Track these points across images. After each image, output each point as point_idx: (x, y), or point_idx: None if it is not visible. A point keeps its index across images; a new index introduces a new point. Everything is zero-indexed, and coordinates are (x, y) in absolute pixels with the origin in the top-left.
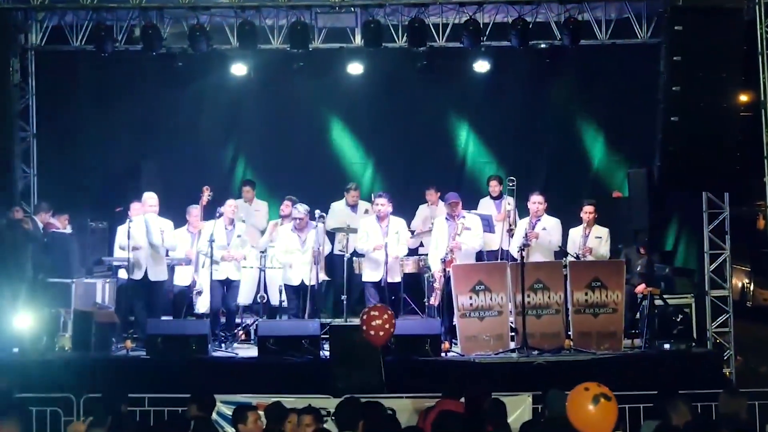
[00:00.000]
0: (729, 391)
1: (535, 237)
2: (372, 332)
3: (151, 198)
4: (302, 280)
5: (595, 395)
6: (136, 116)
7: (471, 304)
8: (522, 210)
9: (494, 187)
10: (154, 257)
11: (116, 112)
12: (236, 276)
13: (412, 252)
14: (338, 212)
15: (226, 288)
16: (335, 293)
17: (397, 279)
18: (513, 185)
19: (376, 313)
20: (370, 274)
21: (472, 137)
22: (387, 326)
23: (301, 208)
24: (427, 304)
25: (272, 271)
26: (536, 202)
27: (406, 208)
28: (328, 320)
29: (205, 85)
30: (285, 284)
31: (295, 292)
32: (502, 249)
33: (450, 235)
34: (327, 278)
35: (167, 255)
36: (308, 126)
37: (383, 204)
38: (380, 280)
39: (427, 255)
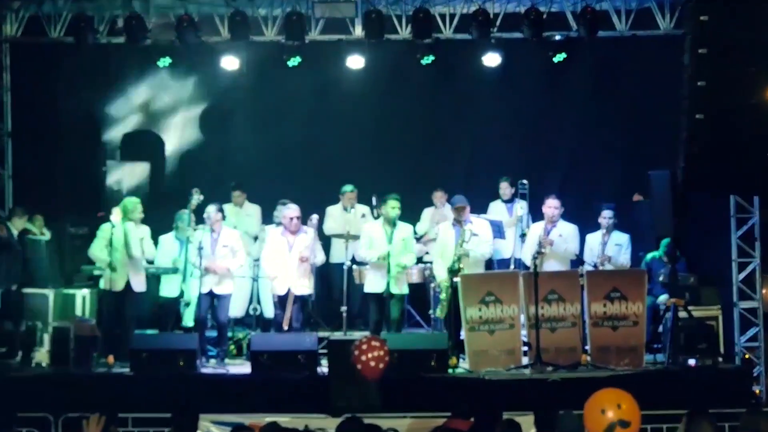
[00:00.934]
0: (752, 410)
1: (550, 244)
2: (364, 366)
3: (133, 204)
4: (288, 289)
5: (611, 424)
6: (119, 114)
7: (480, 317)
8: (536, 214)
9: (505, 189)
10: (134, 266)
11: (98, 109)
12: (221, 290)
13: (417, 260)
14: (336, 217)
15: (214, 300)
16: (334, 304)
17: (403, 291)
18: (525, 188)
19: (366, 347)
20: (372, 284)
21: (481, 136)
22: (379, 356)
23: (294, 207)
24: (432, 316)
25: (266, 281)
26: (552, 206)
27: (410, 212)
28: (327, 334)
29: (194, 80)
30: (273, 293)
31: (282, 301)
32: (513, 257)
33: (457, 242)
34: (310, 291)
35: (151, 264)
36: (304, 124)
37: (394, 207)
38: (383, 292)
39: (432, 263)
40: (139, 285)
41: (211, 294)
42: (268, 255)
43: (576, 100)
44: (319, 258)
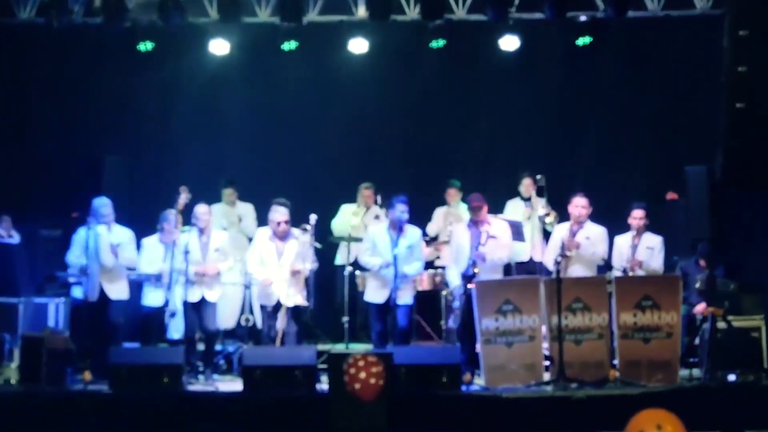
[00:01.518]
0: None
1: (576, 247)
2: (360, 386)
3: (103, 206)
4: (278, 300)
5: None
6: (97, 103)
7: (497, 328)
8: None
9: (528, 186)
10: (110, 273)
11: (73, 98)
12: (212, 297)
13: (427, 264)
14: (347, 218)
15: (201, 310)
16: (335, 314)
17: (408, 301)
18: (541, 182)
19: (358, 365)
20: (373, 293)
21: (498, 128)
22: (360, 376)
23: (283, 210)
24: (444, 327)
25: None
26: (579, 205)
27: (420, 212)
28: (327, 347)
29: (180, 66)
30: (261, 304)
31: (271, 312)
32: (533, 260)
33: (472, 245)
34: (306, 303)
35: (132, 270)
36: (302, 115)
37: (404, 210)
38: (386, 301)
39: (444, 268)
40: (118, 293)
41: (201, 302)
42: (255, 258)
43: (603, 89)
44: (308, 266)
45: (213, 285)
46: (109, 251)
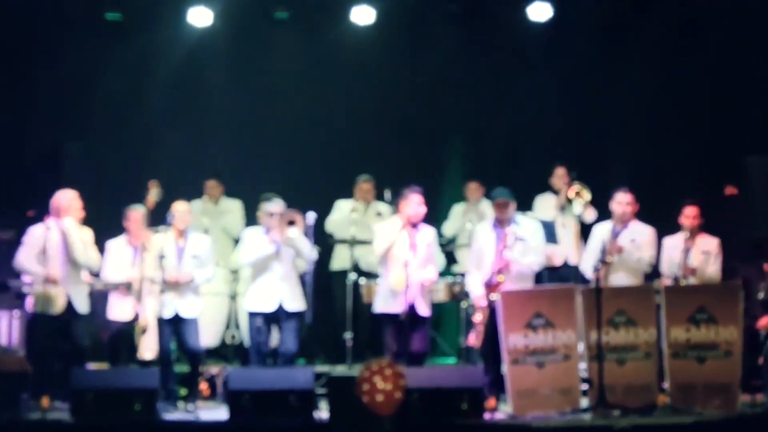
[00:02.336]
0: None
1: (618, 251)
2: (373, 398)
3: (68, 198)
4: (280, 305)
5: None
6: (58, 84)
7: (526, 346)
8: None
9: (562, 177)
10: (75, 281)
11: (28, 75)
12: (189, 311)
13: (444, 271)
14: (344, 212)
15: (179, 326)
16: (335, 329)
17: (425, 312)
18: (571, 176)
19: (368, 373)
20: (386, 302)
21: (526, 111)
22: (390, 387)
23: (278, 202)
24: (464, 345)
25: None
26: (622, 202)
27: (435, 210)
28: (326, 368)
29: (153, 39)
30: (251, 312)
31: (266, 323)
32: (568, 266)
33: (497, 249)
34: (304, 308)
35: (96, 278)
36: (296, 97)
37: (420, 203)
38: (400, 313)
39: (464, 276)
40: (83, 304)
41: (176, 318)
42: (249, 257)
43: (648, 66)
44: (306, 252)
45: (186, 294)
46: (81, 246)
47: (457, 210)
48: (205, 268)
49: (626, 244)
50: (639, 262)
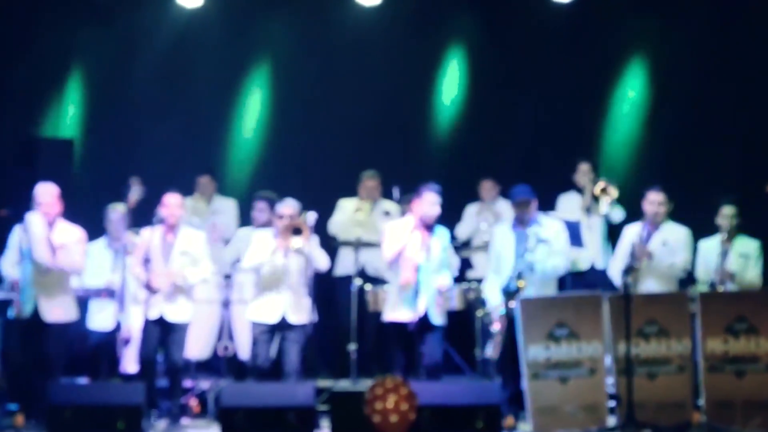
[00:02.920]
0: None
1: (648, 256)
2: (385, 417)
3: (40, 192)
4: (284, 317)
5: None
6: (31, 68)
7: (548, 359)
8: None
9: (587, 174)
10: (48, 284)
11: (1, 63)
12: (177, 315)
13: (458, 277)
14: (348, 212)
15: (165, 332)
16: (338, 341)
17: (439, 321)
18: (597, 173)
19: (382, 390)
20: (395, 311)
21: (547, 102)
22: (405, 407)
23: (291, 203)
24: (480, 357)
25: (242, 308)
26: (655, 201)
27: (447, 209)
28: (328, 383)
29: (138, 20)
30: (254, 322)
31: (270, 335)
32: (595, 270)
33: (517, 252)
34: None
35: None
36: (295, 85)
37: (436, 202)
38: (410, 322)
39: (479, 282)
40: (58, 313)
41: (161, 322)
42: (254, 264)
43: (681, 50)
44: (322, 262)
45: (176, 297)
46: (45, 246)
47: (471, 210)
48: (199, 266)
49: (658, 248)
50: (671, 268)
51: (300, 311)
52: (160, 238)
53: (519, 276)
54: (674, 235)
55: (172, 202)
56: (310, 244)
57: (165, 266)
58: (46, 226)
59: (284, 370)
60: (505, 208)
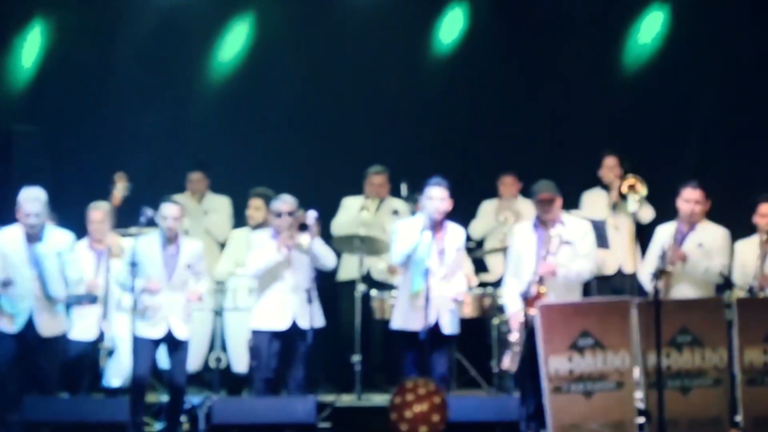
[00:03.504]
0: None
1: (682, 259)
2: (409, 428)
3: (33, 200)
4: (294, 322)
5: None
6: (3, 53)
7: (571, 371)
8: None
9: (611, 169)
10: (47, 300)
11: None
12: (184, 332)
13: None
14: (354, 215)
15: (168, 349)
16: (341, 351)
17: (453, 330)
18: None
19: (413, 396)
20: (405, 318)
21: (571, 89)
22: (432, 416)
23: (288, 199)
24: (496, 369)
25: (236, 316)
26: (691, 200)
27: (461, 207)
28: (331, 398)
29: (121, 3)
30: (256, 331)
31: (278, 343)
32: (622, 274)
33: (539, 254)
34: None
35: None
36: (293, 72)
37: (443, 198)
38: (420, 331)
39: (495, 286)
40: (54, 327)
41: (170, 338)
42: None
43: (721, 39)
44: (329, 260)
45: (186, 315)
46: (57, 271)
47: (487, 207)
48: (201, 281)
49: (693, 250)
50: (707, 273)
51: (308, 315)
52: (159, 249)
53: (540, 280)
54: (711, 236)
55: (170, 214)
56: (315, 241)
57: (168, 280)
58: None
59: (288, 383)
60: (526, 206)
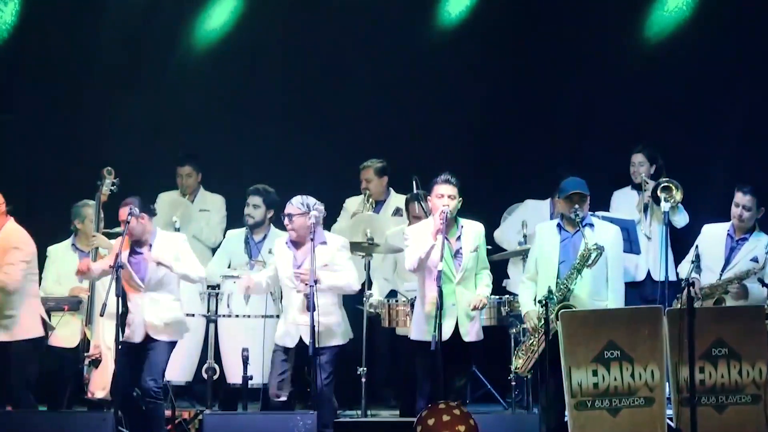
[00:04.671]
0: None
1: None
2: None
3: None
4: (300, 337)
5: None
6: None
7: (595, 385)
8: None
9: (639, 167)
10: (21, 299)
11: None
12: (164, 332)
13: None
14: (353, 215)
15: (142, 354)
16: (346, 362)
17: (472, 336)
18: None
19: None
20: (420, 329)
21: (597, 80)
22: None
23: (296, 202)
24: (514, 383)
25: (230, 323)
26: (739, 204)
27: (475, 204)
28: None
29: None
30: (276, 344)
31: (287, 358)
32: (652, 280)
33: (567, 257)
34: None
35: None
36: (293, 59)
37: (451, 195)
38: (433, 342)
39: (514, 294)
40: (25, 329)
41: (146, 342)
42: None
43: (755, 18)
44: (346, 280)
45: (160, 305)
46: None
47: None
48: (187, 261)
49: (745, 264)
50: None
51: (326, 330)
52: (126, 253)
53: (567, 288)
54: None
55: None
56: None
57: (142, 284)
58: None
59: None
60: (546, 205)
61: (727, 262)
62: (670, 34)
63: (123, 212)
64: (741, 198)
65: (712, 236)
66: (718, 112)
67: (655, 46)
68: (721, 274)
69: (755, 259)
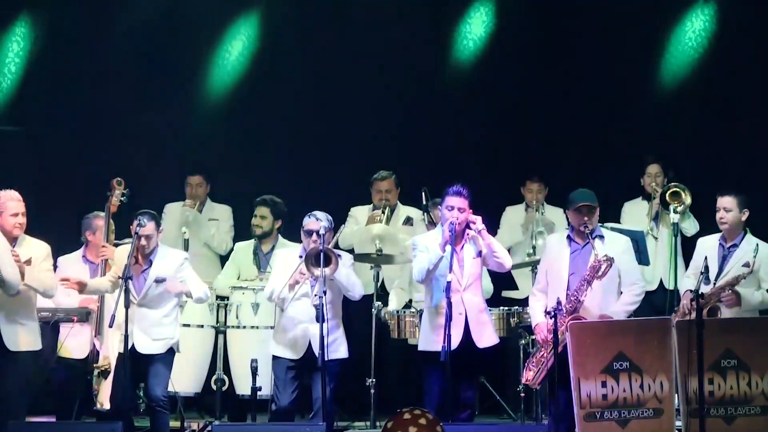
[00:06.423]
0: None
1: (733, 303)
2: None
3: (8, 197)
4: (307, 349)
5: None
6: None
7: (605, 397)
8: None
9: (654, 177)
10: (12, 309)
11: None
12: (153, 346)
13: (495, 299)
14: (360, 225)
15: (143, 364)
16: (355, 374)
17: (487, 341)
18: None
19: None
20: (429, 339)
21: (607, 86)
22: None
23: (324, 218)
24: (523, 395)
25: (239, 334)
26: (720, 207)
27: (485, 218)
28: (343, 424)
29: None
30: (276, 356)
31: (297, 371)
32: (664, 289)
33: (577, 271)
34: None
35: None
36: (300, 68)
37: (462, 206)
38: (442, 352)
39: (524, 305)
40: (24, 342)
41: (135, 355)
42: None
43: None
44: (352, 290)
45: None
46: (12, 264)
47: (512, 216)
48: (191, 281)
49: (737, 270)
50: (764, 304)
51: (334, 342)
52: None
53: (578, 300)
54: (760, 254)
55: (140, 231)
56: (341, 271)
57: (137, 298)
58: (10, 240)
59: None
60: (555, 215)
61: (720, 270)
62: (684, 61)
63: (150, 227)
64: (720, 200)
65: (707, 248)
66: (732, 120)
67: (667, 69)
68: (715, 283)
69: (747, 264)
